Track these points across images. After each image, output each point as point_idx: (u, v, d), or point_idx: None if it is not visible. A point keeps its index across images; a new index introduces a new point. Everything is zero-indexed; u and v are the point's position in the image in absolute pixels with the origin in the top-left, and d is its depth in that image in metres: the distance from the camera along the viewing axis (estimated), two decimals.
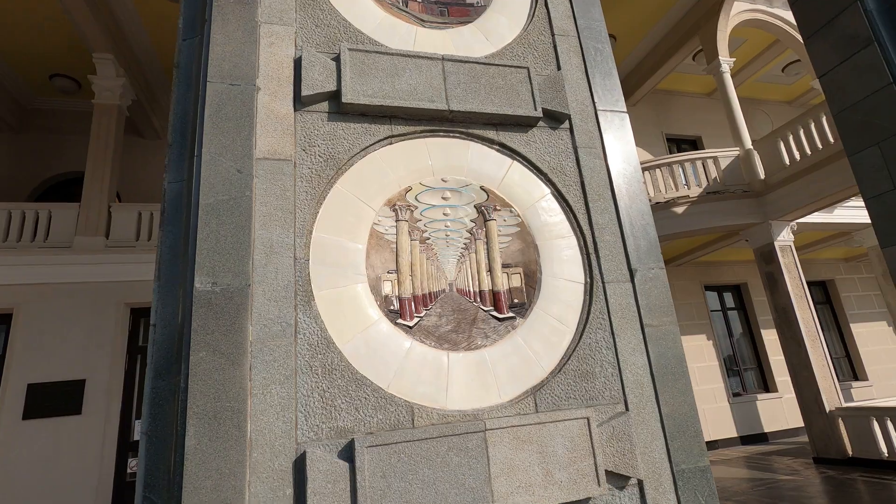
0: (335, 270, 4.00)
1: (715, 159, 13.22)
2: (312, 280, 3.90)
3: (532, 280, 4.56)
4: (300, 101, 4.23)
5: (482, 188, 4.71)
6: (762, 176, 13.45)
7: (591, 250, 4.65)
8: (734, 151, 13.44)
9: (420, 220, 4.51)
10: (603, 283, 4.54)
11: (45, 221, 10.11)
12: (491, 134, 4.81)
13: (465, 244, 4.58)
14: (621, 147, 5.10)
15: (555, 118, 4.99)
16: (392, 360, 3.90)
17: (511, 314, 4.41)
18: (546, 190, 4.85)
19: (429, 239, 4.50)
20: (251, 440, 3.27)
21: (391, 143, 4.54)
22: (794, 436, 15.36)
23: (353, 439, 3.45)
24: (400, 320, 4.15)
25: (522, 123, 4.88)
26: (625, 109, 5.17)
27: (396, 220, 4.42)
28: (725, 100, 14.28)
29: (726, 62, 14.39)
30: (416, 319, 4.22)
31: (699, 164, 13.11)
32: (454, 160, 4.71)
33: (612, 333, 4.39)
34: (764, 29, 19.13)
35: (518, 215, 4.72)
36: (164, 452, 3.27)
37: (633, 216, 4.87)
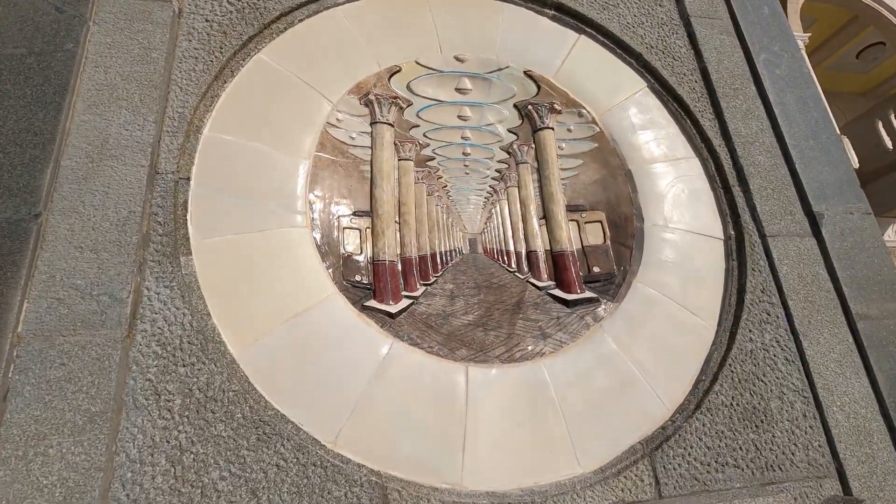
0: (244, 202, 2.01)
1: None
2: (191, 216, 1.92)
3: (624, 233, 2.44)
4: None
5: (528, 75, 2.65)
6: (856, 164, 10.64)
7: (732, 181, 2.51)
8: None
9: (417, 126, 2.49)
10: (761, 236, 2.38)
11: None
12: None
13: (498, 172, 2.54)
14: (764, 17, 2.97)
15: None
16: (349, 382, 1.86)
17: (589, 294, 2.29)
18: (640, 82, 2.75)
19: (433, 161, 2.48)
20: None
21: None
22: None
23: None
24: (373, 302, 2.11)
25: None
26: None
27: (372, 122, 2.41)
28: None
29: (800, 38, 11.82)
30: (403, 302, 2.17)
31: None
32: (477, 29, 2.69)
33: (793, 332, 2.21)
34: (840, 4, 16.52)
35: (593, 122, 2.63)
36: None
37: (802, 123, 2.70)
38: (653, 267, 2.36)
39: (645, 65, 2.78)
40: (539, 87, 2.64)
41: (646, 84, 2.77)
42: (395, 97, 2.45)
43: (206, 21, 2.24)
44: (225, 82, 2.20)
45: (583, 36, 2.81)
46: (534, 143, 2.60)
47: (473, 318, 2.19)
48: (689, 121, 2.70)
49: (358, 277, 2.17)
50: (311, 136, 2.26)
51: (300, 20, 2.42)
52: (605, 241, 2.46)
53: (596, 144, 2.61)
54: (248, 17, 2.31)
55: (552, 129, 2.61)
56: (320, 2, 2.48)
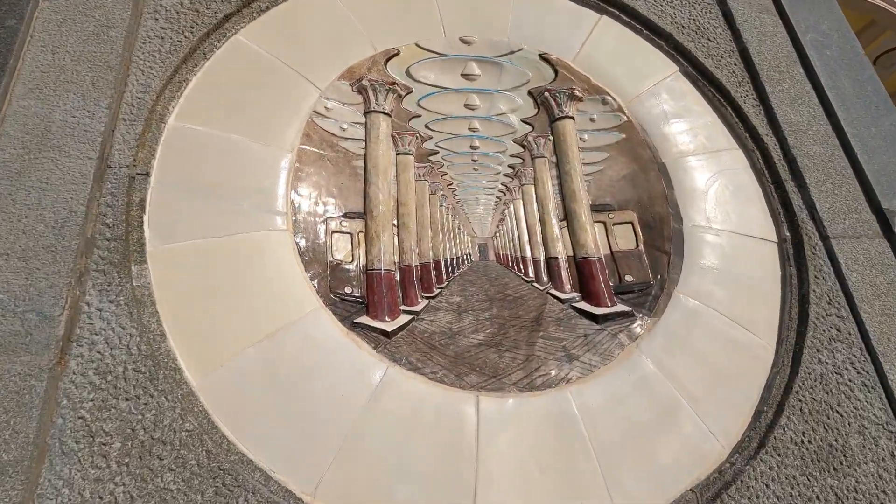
0: (214, 201, 1.71)
1: None
2: (149, 217, 1.62)
3: (659, 235, 2.09)
4: None
5: (544, 59, 2.33)
6: None
7: (784, 175, 2.16)
8: None
9: (418, 117, 2.18)
10: (822, 238, 2.01)
11: None
12: None
13: (511, 168, 2.21)
14: None
15: None
16: (334, 417, 1.52)
17: (622, 307, 1.94)
18: (671, 66, 2.43)
19: (436, 155, 2.16)
20: None
21: None
22: None
23: None
24: (365, 318, 1.78)
25: None
26: None
27: (366, 111, 2.11)
28: None
29: None
30: (402, 318, 1.83)
31: None
32: (485, 8, 2.39)
33: (869, 351, 1.84)
34: (854, 9, 16.14)
35: (620, 110, 2.30)
36: None
37: (860, 109, 2.35)
38: (696, 275, 2.00)
39: (676, 46, 2.45)
40: (557, 72, 2.33)
41: (678, 68, 2.44)
42: (393, 83, 2.15)
43: None
44: (196, 66, 1.91)
45: (604, 16, 2.49)
46: (552, 134, 2.28)
47: (485, 336, 1.85)
48: (729, 108, 2.36)
49: (348, 289, 1.84)
50: (296, 127, 1.96)
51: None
52: (637, 245, 2.11)
53: (623, 135, 2.28)
54: None
55: (573, 118, 2.28)
56: None
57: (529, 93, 2.30)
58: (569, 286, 2.02)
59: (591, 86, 2.33)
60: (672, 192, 2.17)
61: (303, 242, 1.83)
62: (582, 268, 2.04)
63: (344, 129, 2.06)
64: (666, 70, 2.42)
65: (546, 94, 2.28)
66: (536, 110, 2.30)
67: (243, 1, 2.04)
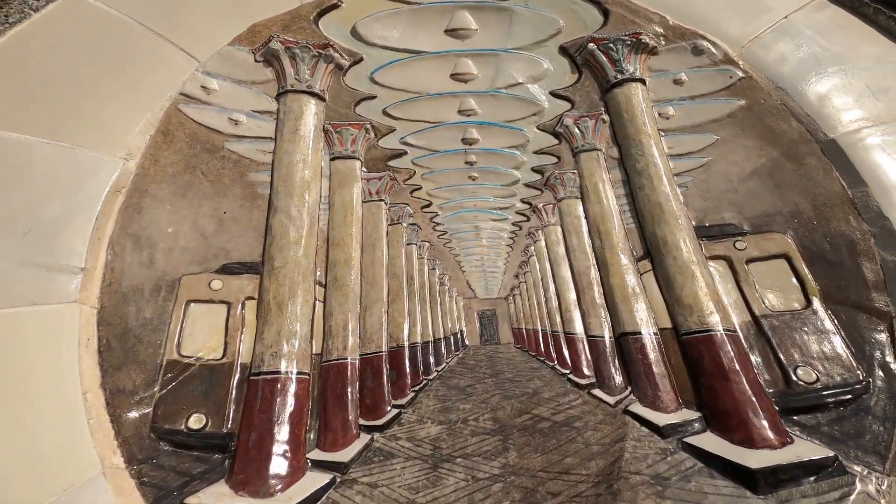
0: None
1: None
2: None
3: (854, 276, 0.97)
4: None
5: None
6: None
7: None
8: None
9: (371, 99, 1.29)
10: None
11: None
12: None
13: (539, 174, 1.24)
14: None
15: None
16: None
17: (812, 447, 0.81)
18: None
19: (402, 158, 1.24)
20: None
21: None
22: None
23: None
24: (222, 486, 0.79)
25: None
26: None
27: (280, 92, 1.24)
28: None
29: None
30: (303, 485, 0.83)
31: None
32: None
33: None
34: None
35: (728, 61, 1.28)
36: None
37: None
38: None
39: None
40: (608, 14, 1.38)
41: None
42: (327, 46, 1.28)
43: None
44: None
45: None
46: (607, 111, 1.30)
47: None
48: None
49: (196, 420, 0.89)
50: (143, 117, 1.11)
51: None
52: (808, 302, 1.02)
53: (741, 101, 1.26)
54: None
55: (643, 81, 1.30)
56: None
57: (563, 49, 1.36)
58: (673, 397, 0.95)
59: (670, 28, 1.36)
60: (864, 190, 1.09)
61: (116, 324, 0.91)
62: (696, 353, 0.97)
63: (237, 123, 1.20)
64: None
65: (592, 46, 1.33)
66: (577, 75, 1.34)
67: None
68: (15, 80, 1.10)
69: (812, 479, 0.82)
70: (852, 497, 0.79)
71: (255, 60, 1.28)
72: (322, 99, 1.28)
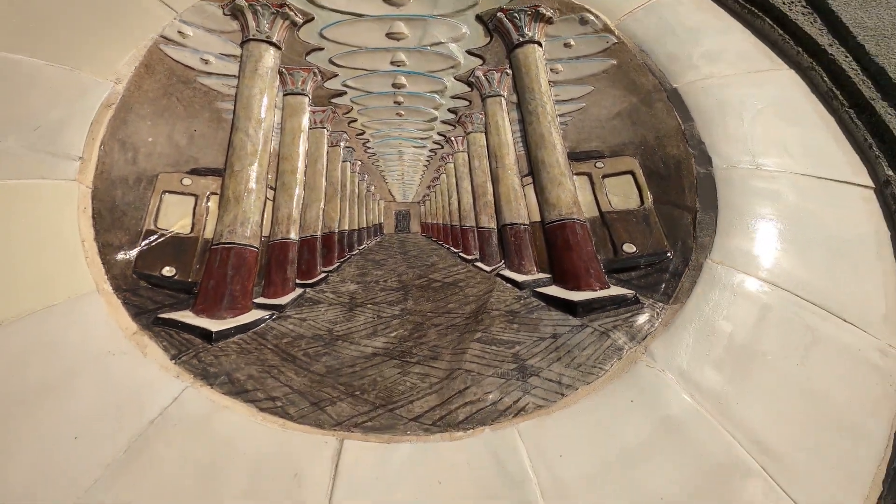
0: None
1: None
2: None
3: (677, 186, 1.32)
4: None
5: None
6: None
7: (870, 93, 1.37)
8: None
9: (319, 50, 1.59)
10: None
11: None
12: None
13: (452, 113, 1.56)
14: None
15: None
16: (69, 472, 0.76)
17: (618, 290, 1.15)
18: None
19: (342, 97, 1.54)
20: None
21: None
22: None
23: None
24: (186, 313, 1.08)
25: None
26: None
27: (244, 40, 1.53)
28: None
29: None
30: (249, 315, 1.12)
31: None
32: None
33: None
34: None
35: (606, 30, 1.63)
36: None
37: None
38: (742, 236, 1.21)
39: None
40: None
41: None
42: (283, 5, 1.58)
43: None
44: None
45: None
46: (510, 66, 1.62)
47: (386, 342, 1.10)
48: (767, 19, 1.65)
49: (168, 270, 1.17)
50: (129, 54, 1.39)
51: None
52: (642, 202, 1.35)
53: (613, 61, 1.59)
54: None
55: (539, 43, 1.63)
56: None
57: (478, 17, 1.68)
58: (533, 265, 1.27)
59: (563, 3, 1.69)
60: (692, 124, 1.43)
61: (106, 201, 1.19)
62: (553, 236, 1.29)
63: (207, 63, 1.48)
64: None
65: (500, 15, 1.65)
66: (489, 38, 1.66)
67: None
68: (25, 14, 1.37)
69: (615, 307, 1.14)
70: (640, 316, 1.11)
71: (224, 14, 1.56)
72: (278, 48, 1.57)
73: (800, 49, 1.59)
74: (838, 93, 1.49)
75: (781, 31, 1.63)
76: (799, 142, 1.39)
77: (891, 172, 1.32)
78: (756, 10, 1.67)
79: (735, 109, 1.45)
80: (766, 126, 1.42)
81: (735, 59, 1.58)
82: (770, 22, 1.65)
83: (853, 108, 1.45)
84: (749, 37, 1.66)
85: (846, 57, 1.53)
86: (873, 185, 1.33)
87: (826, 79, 1.52)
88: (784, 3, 1.67)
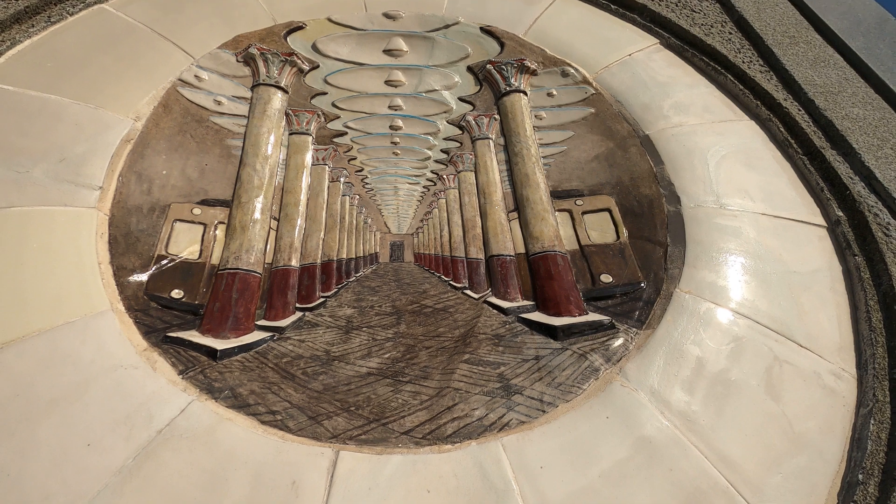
0: None
1: None
2: None
3: (649, 223, 1.45)
4: None
5: (487, 31, 1.91)
6: None
7: (820, 143, 1.54)
8: None
9: (323, 95, 1.73)
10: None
11: None
12: None
13: (445, 154, 1.69)
14: None
15: None
16: (77, 479, 0.82)
17: (595, 316, 1.25)
18: (649, 38, 1.97)
19: (343, 136, 1.67)
20: None
21: None
22: None
23: None
24: (192, 333, 1.16)
25: None
26: None
27: (254, 84, 1.67)
28: None
29: None
30: (252, 335, 1.20)
31: None
32: None
33: None
34: None
35: (585, 82, 1.80)
36: None
37: None
38: (707, 268, 1.32)
39: (653, 18, 2.01)
40: (503, 45, 1.88)
41: (658, 41, 1.97)
42: (291, 54, 1.73)
43: None
44: (33, 27, 1.54)
45: None
46: (498, 112, 1.77)
47: (381, 362, 1.18)
48: (729, 75, 1.83)
49: (177, 293, 1.24)
50: (149, 94, 1.51)
51: None
52: (618, 237, 1.47)
53: (591, 109, 1.75)
54: None
55: (524, 92, 1.79)
56: None
57: (469, 68, 1.84)
58: (518, 293, 1.37)
59: (546, 58, 1.86)
60: (662, 168, 1.57)
61: (122, 227, 1.28)
62: (536, 266, 1.40)
63: (220, 104, 1.61)
64: (642, 42, 1.96)
65: (490, 67, 1.82)
66: (479, 87, 1.82)
67: None
68: (55, 59, 1.50)
69: (593, 332, 1.23)
70: (615, 340, 1.21)
71: (237, 61, 1.70)
72: (286, 91, 1.71)
73: (758, 102, 1.76)
74: (793, 141, 1.65)
75: (742, 87, 1.81)
76: (758, 184, 1.54)
77: (841, 213, 1.45)
78: (720, 68, 1.86)
79: (701, 155, 1.60)
80: (729, 170, 1.57)
81: (701, 110, 1.75)
82: (732, 78, 1.83)
83: (806, 155, 1.61)
84: (714, 91, 1.84)
85: (799, 110, 1.71)
86: (826, 224, 1.47)
87: (782, 129, 1.68)
88: (744, 62, 1.86)
